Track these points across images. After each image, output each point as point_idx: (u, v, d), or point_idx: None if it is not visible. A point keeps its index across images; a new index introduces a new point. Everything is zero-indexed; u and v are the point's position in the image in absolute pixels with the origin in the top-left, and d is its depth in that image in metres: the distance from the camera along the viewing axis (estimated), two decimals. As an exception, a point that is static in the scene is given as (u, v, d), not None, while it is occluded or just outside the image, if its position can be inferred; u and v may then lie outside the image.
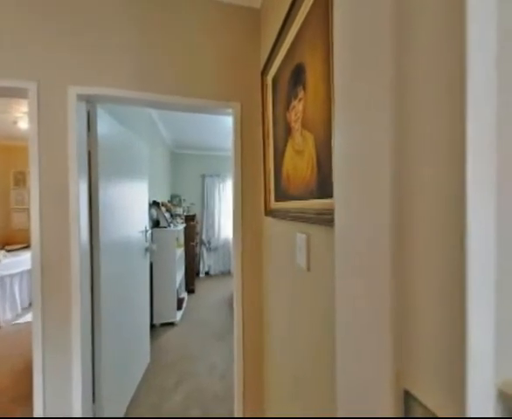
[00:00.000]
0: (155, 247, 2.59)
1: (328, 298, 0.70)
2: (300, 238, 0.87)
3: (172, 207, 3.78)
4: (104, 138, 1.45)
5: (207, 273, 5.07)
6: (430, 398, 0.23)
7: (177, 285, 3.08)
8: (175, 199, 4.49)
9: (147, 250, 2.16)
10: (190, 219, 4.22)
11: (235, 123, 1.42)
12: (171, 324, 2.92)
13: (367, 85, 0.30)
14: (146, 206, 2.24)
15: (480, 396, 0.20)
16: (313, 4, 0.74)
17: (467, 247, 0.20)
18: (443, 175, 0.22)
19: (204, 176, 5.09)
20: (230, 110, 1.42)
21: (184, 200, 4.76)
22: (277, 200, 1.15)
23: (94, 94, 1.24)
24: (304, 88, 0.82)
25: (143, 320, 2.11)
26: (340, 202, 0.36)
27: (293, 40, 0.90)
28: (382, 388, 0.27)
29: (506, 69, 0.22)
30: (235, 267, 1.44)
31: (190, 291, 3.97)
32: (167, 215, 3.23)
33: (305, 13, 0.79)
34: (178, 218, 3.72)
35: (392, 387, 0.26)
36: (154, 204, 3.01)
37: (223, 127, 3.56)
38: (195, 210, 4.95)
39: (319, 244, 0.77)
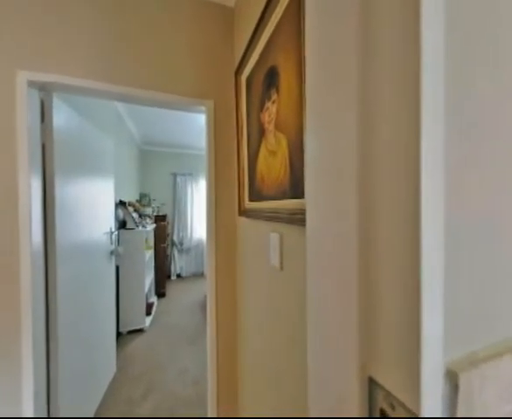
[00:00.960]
0: (121, 250, 2.42)
1: (301, 295, 0.73)
2: (274, 238, 0.89)
3: (141, 207, 3.58)
4: (61, 130, 1.31)
5: (179, 275, 4.90)
6: (390, 381, 0.25)
7: (147, 289, 2.93)
8: (144, 199, 4.26)
9: (112, 253, 2.02)
10: (160, 219, 4.04)
11: (208, 121, 1.39)
12: (140, 331, 2.76)
13: (334, 96, 0.31)
14: (112, 206, 2.09)
15: (432, 375, 0.23)
16: (286, 9, 0.76)
17: (421, 247, 0.22)
18: (401, 180, 0.24)
19: (175, 175, 4.90)
20: (203, 108, 1.39)
21: (154, 199, 4.54)
22: (251, 200, 1.15)
23: (50, 82, 1.12)
24: (277, 91, 0.84)
25: (108, 328, 1.96)
26: (311, 202, 0.37)
27: (266, 42, 0.92)
28: (349, 376, 0.29)
29: (452, 92, 0.24)
30: (208, 268, 1.41)
31: (160, 294, 3.79)
32: (135, 215, 3.05)
33: (278, 17, 0.81)
34: (147, 219, 3.53)
35: (358, 375, 0.28)
36: (120, 204, 2.81)
37: (196, 124, 3.48)
38: (166, 210, 4.74)
39: (292, 244, 0.79)
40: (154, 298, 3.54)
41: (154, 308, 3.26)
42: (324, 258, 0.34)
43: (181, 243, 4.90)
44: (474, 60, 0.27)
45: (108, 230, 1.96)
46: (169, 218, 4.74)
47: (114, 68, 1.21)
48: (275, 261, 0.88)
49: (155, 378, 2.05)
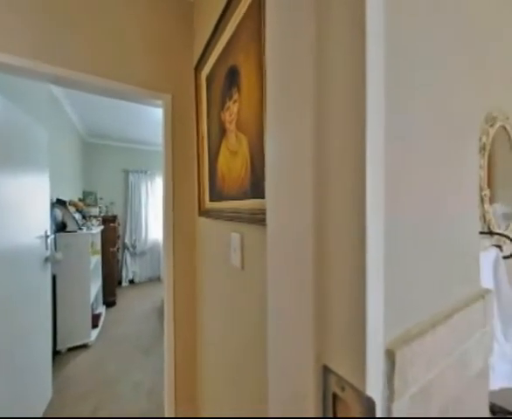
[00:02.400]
0: (59, 256, 2.12)
1: (262, 294, 0.74)
2: (235, 238, 0.89)
3: (85, 207, 3.18)
4: (-23, 114, 1.08)
5: (132, 281, 4.50)
6: (341, 367, 0.27)
7: (92, 298, 2.61)
8: (89, 197, 3.80)
9: (48, 259, 1.74)
10: (109, 221, 3.64)
11: (165, 116, 1.31)
12: (83, 346, 2.45)
13: (292, 102, 0.33)
14: (47, 205, 1.80)
15: (375, 356, 0.26)
16: (247, 11, 0.77)
17: (366, 245, 0.25)
18: (350, 184, 0.27)
19: (127, 172, 4.49)
20: (159, 101, 1.31)
21: (102, 198, 4.08)
22: (212, 200, 1.13)
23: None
24: (239, 91, 0.84)
25: (42, 348, 1.68)
26: (271, 203, 0.38)
27: (228, 41, 0.91)
28: (306, 366, 0.31)
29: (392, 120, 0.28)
30: (165, 272, 1.34)
31: (109, 303, 3.43)
32: (77, 216, 2.70)
33: (239, 18, 0.81)
34: (93, 220, 3.16)
35: (314, 364, 0.30)
36: (59, 203, 2.45)
37: (152, 118, 3.25)
38: (116, 211, 4.31)
39: (253, 243, 0.80)
40: (102, 309, 3.18)
41: (101, 319, 2.94)
42: (283, 257, 0.36)
43: (134, 247, 4.51)
44: (407, 81, 0.31)
45: (43, 233, 1.69)
46: (119, 219, 4.32)
47: (53, 47, 1.05)
48: (236, 261, 0.88)
49: (105, 395, 1.84)
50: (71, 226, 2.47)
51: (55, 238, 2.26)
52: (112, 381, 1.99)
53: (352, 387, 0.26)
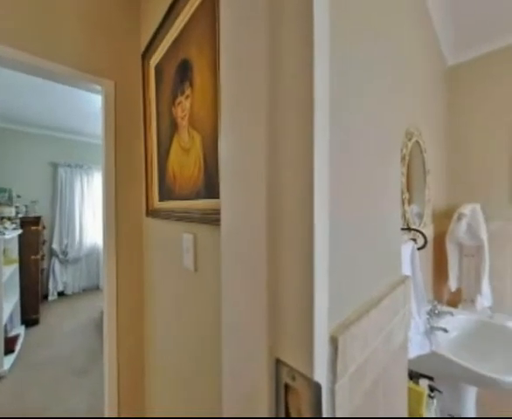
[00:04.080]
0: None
1: (216, 295, 0.73)
2: (187, 239, 0.85)
3: (-5, 206, 2.59)
4: None
5: (61, 294, 3.85)
6: (292, 358, 0.29)
7: (6, 318, 2.14)
8: (0, 195, 3.10)
9: None
10: (30, 223, 3.04)
11: (106, 104, 1.17)
12: (-7, 378, 1.98)
13: (247, 103, 0.34)
14: None
15: (321, 344, 0.28)
16: (200, 4, 0.74)
17: (314, 243, 0.27)
18: (300, 184, 0.28)
19: (55, 165, 3.82)
20: (98, 87, 1.16)
21: (19, 196, 3.37)
22: (161, 199, 1.06)
23: None
24: (191, 86, 0.81)
25: None
26: (225, 202, 0.38)
27: (179, 33, 0.86)
28: (260, 360, 0.32)
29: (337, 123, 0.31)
30: (106, 279, 1.19)
31: (30, 322, 2.86)
32: (-17, 218, 2.18)
33: (192, 10, 0.78)
34: (7, 222, 2.60)
35: (267, 359, 0.31)
36: (-47, 202, 1.93)
37: (91, 106, 2.85)
38: (41, 211, 3.61)
39: (206, 244, 0.78)
40: (19, 329, 2.64)
41: (19, 342, 2.43)
42: (237, 255, 0.36)
43: (65, 253, 3.87)
44: (346, 97, 0.35)
45: None
46: (45, 221, 3.64)
47: None
48: (189, 263, 0.85)
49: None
50: (-27, 230, 1.97)
51: None
52: (38, 412, 1.67)
53: (302, 375, 0.28)
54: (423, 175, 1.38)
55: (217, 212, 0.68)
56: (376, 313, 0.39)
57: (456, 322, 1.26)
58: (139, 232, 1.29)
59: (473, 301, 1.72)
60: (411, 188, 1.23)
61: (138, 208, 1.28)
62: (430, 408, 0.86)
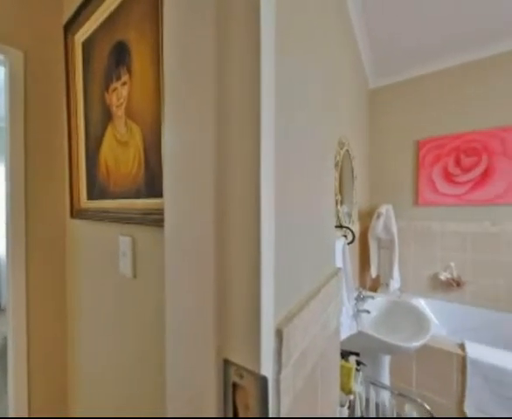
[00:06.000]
0: None
1: (158, 301, 0.68)
2: (124, 242, 0.76)
3: None
4: None
5: None
6: (239, 357, 0.29)
7: None
8: None
9: None
10: None
11: (12, 79, 0.94)
12: None
13: (194, 95, 0.32)
14: None
15: (267, 339, 0.29)
16: (140, -15, 0.68)
17: (261, 242, 0.28)
18: (247, 182, 0.29)
19: None
20: (0, 56, 0.92)
21: None
22: (91, 198, 0.92)
23: None
24: (129, 72, 0.73)
25: None
26: (170, 201, 0.36)
27: (115, 9, 0.77)
28: (207, 362, 0.31)
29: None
30: (11, 298, 0.96)
31: None
32: None
33: (131, -12, 0.70)
34: None
35: (215, 360, 0.31)
36: None
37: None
38: None
39: (147, 248, 0.71)
40: None
41: None
42: (183, 257, 0.34)
43: None
44: (288, 110, 0.38)
45: None
46: None
47: None
48: (126, 269, 0.76)
49: None
50: None
51: None
52: None
53: (249, 372, 0.28)
54: (351, 179, 1.60)
55: (159, 212, 0.63)
56: (314, 304, 0.43)
57: (376, 304, 1.50)
58: (61, 237, 1.08)
59: (387, 285, 2.09)
60: (342, 190, 1.41)
61: (59, 208, 1.08)
62: (357, 380, 1.00)
